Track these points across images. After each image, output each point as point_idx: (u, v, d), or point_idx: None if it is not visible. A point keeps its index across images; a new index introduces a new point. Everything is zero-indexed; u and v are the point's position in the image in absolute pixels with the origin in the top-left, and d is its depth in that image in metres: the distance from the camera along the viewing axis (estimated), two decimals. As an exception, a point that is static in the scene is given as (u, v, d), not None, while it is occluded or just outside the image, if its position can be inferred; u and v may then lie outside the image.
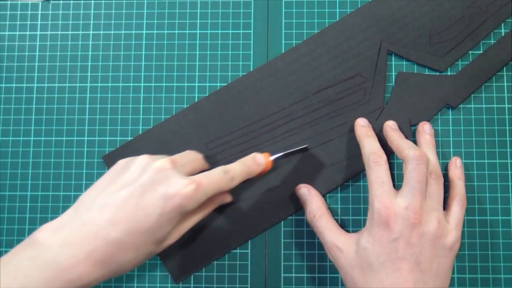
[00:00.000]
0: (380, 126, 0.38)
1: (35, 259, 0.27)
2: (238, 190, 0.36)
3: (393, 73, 0.39)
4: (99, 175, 0.39)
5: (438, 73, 0.39)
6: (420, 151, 0.32)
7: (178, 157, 0.32)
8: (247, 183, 0.37)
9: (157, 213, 0.28)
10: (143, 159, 0.30)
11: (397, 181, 0.38)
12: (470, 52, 0.39)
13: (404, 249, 0.30)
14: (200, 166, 0.34)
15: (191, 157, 0.33)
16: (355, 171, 0.38)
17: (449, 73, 0.39)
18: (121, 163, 0.31)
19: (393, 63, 0.39)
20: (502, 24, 0.39)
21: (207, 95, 0.39)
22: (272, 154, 0.35)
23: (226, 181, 0.31)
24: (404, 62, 0.39)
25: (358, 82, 0.39)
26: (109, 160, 0.38)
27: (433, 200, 0.32)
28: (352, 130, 0.38)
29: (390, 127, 0.36)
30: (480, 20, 0.39)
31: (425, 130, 0.37)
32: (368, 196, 0.32)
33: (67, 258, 0.27)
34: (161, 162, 0.30)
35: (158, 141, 0.38)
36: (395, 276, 0.30)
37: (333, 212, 0.38)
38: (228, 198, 0.35)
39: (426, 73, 0.39)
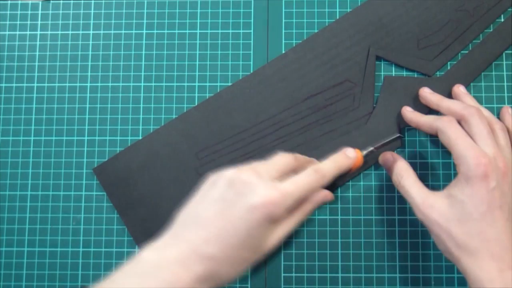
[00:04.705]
0: (369, 131, 0.38)
1: (140, 276, 0.28)
2: None
3: (382, 78, 0.39)
4: (99, 175, 0.39)
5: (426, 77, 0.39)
6: (474, 106, 0.34)
7: (263, 166, 0.31)
8: None
9: (245, 225, 0.28)
10: (229, 173, 0.30)
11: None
12: (459, 55, 0.39)
13: (500, 198, 0.30)
14: (290, 168, 0.33)
15: (279, 162, 0.33)
16: (345, 178, 0.38)
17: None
18: (210, 179, 0.31)
19: (382, 68, 0.39)
20: (491, 26, 0.39)
21: (196, 104, 0.39)
22: (363, 149, 0.36)
23: (317, 179, 0.31)
24: (393, 67, 0.39)
25: (347, 88, 0.38)
26: (99, 172, 0.38)
27: (505, 150, 0.33)
28: (341, 135, 0.38)
29: (429, 93, 0.37)
30: (468, 23, 0.39)
31: (461, 90, 0.37)
32: (453, 153, 0.32)
33: (170, 275, 0.27)
34: (246, 174, 0.30)
35: (148, 152, 0.38)
36: (496, 225, 0.30)
37: (333, 212, 0.38)
38: (328, 197, 0.34)
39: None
